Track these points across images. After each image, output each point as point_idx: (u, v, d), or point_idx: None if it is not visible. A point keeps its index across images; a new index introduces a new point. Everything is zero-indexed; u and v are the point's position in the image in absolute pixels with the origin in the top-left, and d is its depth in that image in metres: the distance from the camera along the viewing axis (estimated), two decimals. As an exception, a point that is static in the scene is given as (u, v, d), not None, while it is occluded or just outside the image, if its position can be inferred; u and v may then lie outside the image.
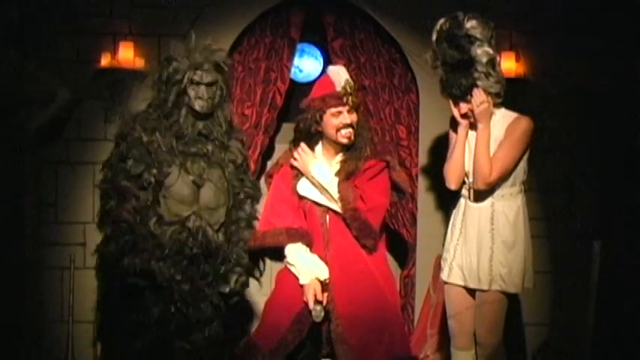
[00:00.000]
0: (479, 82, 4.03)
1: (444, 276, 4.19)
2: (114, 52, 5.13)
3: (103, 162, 4.21)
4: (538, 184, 5.23)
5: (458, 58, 4.05)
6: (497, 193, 4.07)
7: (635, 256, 5.08)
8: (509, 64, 5.13)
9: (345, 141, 4.26)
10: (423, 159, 5.23)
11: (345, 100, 4.23)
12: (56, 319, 5.17)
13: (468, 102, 4.06)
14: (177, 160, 4.06)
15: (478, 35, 4.05)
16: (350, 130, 4.26)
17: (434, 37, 4.15)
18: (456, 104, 4.10)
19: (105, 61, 5.12)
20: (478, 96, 4.03)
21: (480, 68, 4.03)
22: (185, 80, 4.05)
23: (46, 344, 5.16)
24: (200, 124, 4.10)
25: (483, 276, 4.05)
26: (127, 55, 5.09)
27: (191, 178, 4.08)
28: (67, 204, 5.17)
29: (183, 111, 4.08)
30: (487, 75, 4.04)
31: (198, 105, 4.07)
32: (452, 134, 4.23)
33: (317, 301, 4.15)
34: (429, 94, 5.19)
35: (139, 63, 5.12)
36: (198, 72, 4.07)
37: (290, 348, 4.14)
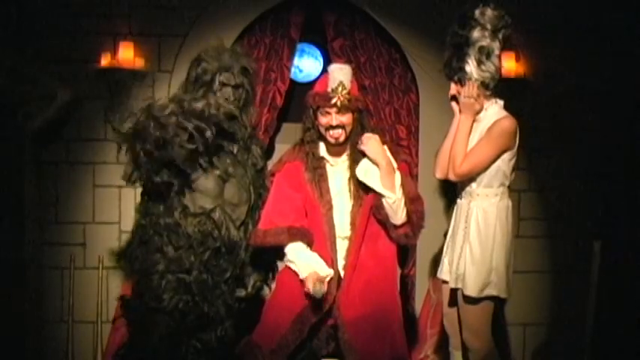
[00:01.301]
0: (467, 67, 3.98)
1: (438, 271, 4.20)
2: (114, 52, 5.13)
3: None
4: (538, 184, 5.24)
5: (457, 38, 4.01)
6: (474, 191, 4.03)
7: (635, 256, 5.09)
8: (509, 64, 5.13)
9: (332, 141, 4.27)
10: (423, 159, 5.23)
11: (332, 101, 4.22)
12: (56, 319, 5.17)
13: (458, 85, 4.03)
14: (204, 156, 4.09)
15: (482, 21, 4.01)
16: (338, 131, 4.25)
17: (458, 17, 4.08)
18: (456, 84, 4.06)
19: (105, 61, 5.12)
20: (468, 88, 4.00)
21: (471, 53, 3.98)
22: (215, 81, 4.10)
23: (46, 344, 5.16)
24: (225, 125, 4.12)
25: (452, 274, 4.05)
26: (127, 55, 5.09)
27: (217, 172, 4.11)
28: (67, 204, 5.17)
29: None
30: (478, 62, 3.99)
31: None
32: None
33: (319, 280, 4.14)
34: (429, 94, 5.20)
35: (139, 63, 5.13)
36: (226, 74, 4.11)
37: (290, 348, 4.15)
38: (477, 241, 3.98)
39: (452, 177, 4.03)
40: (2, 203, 4.86)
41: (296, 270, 4.23)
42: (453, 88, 4.05)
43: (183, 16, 5.17)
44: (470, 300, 3.98)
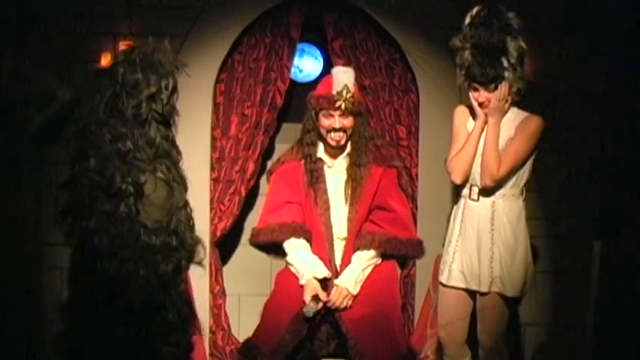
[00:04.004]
0: (506, 74, 3.98)
1: (443, 279, 4.16)
2: (114, 52, 5.13)
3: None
4: (538, 184, 5.23)
5: (493, 44, 3.99)
6: (499, 192, 4.05)
7: (635, 256, 5.08)
8: (509, 64, 5.13)
9: (333, 144, 4.28)
10: (423, 159, 5.22)
11: (337, 104, 4.23)
12: (56, 319, 5.16)
13: (490, 91, 4.00)
14: (149, 166, 3.80)
15: (516, 26, 4.04)
16: (340, 134, 4.27)
17: (467, 21, 4.07)
18: (476, 90, 4.04)
19: (105, 61, 5.12)
20: (502, 91, 3.99)
21: (511, 60, 4.00)
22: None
23: (46, 344, 5.15)
24: (163, 129, 3.86)
25: (483, 278, 4.03)
26: (127, 55, 5.09)
27: (162, 178, 3.81)
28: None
29: (151, 118, 3.82)
30: (514, 69, 4.00)
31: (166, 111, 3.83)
32: (457, 125, 4.17)
33: (314, 298, 4.15)
34: (429, 94, 5.19)
35: (139, 63, 5.12)
36: (170, 79, 3.83)
37: (289, 348, 4.16)
38: (512, 241, 4.02)
39: (490, 183, 4.00)
40: (2, 203, 4.86)
41: (295, 273, 4.25)
42: (483, 95, 4.00)
43: (183, 16, 5.17)
44: (494, 303, 4.01)
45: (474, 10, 4.08)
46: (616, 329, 5.01)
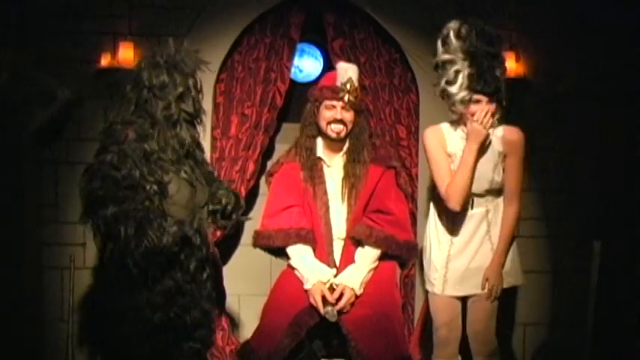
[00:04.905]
0: (500, 84, 3.98)
1: (436, 290, 4.14)
2: (114, 52, 5.13)
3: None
4: (538, 184, 5.24)
5: (492, 51, 3.98)
6: (497, 200, 4.10)
7: (635, 256, 5.08)
8: (510, 64, 5.12)
9: (333, 135, 4.29)
10: (423, 159, 5.22)
11: (340, 95, 4.24)
12: (56, 319, 5.17)
13: (491, 102, 3.98)
14: (173, 166, 3.88)
15: (498, 40, 4.05)
16: (341, 126, 4.28)
17: (452, 33, 4.03)
18: (477, 103, 3.98)
19: (105, 61, 5.12)
20: (491, 108, 3.97)
21: (502, 69, 4.02)
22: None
23: (46, 344, 5.15)
24: (191, 129, 3.96)
25: (481, 279, 4.08)
26: (127, 55, 5.09)
27: (186, 178, 3.90)
28: (67, 204, 5.16)
29: (181, 118, 3.91)
30: (502, 82, 4.03)
31: (192, 109, 3.94)
32: (434, 147, 4.09)
33: (326, 302, 4.16)
34: (429, 94, 5.18)
35: (139, 63, 5.13)
36: (196, 77, 3.97)
37: (286, 352, 4.16)
38: (505, 239, 4.08)
39: (457, 208, 4.02)
40: (2, 203, 4.86)
41: (300, 277, 4.26)
42: (485, 107, 3.96)
43: (183, 16, 5.17)
44: (486, 298, 4.09)
45: (456, 23, 4.05)
46: (616, 329, 5.01)
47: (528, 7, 5.27)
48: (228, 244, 5.40)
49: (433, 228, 4.17)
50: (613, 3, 5.22)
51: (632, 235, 5.13)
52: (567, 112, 5.27)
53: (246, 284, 5.40)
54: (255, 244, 4.46)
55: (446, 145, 4.09)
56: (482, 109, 3.96)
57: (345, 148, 4.38)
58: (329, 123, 4.30)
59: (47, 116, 5.06)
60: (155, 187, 3.77)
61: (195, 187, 3.93)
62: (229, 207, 4.05)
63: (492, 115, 3.98)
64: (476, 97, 3.98)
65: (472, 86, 3.97)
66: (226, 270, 5.34)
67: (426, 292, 4.28)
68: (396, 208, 4.37)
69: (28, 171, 5.09)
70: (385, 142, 5.01)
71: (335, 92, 4.28)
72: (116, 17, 5.17)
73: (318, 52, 5.54)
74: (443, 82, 4.06)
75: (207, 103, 5.16)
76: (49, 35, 5.12)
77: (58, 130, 5.17)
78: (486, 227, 4.07)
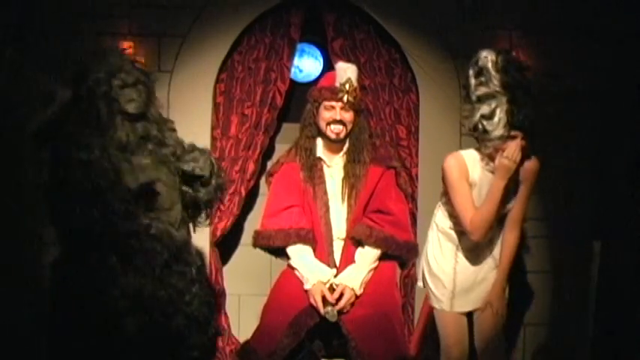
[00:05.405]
0: (531, 115, 3.87)
1: (445, 306, 4.08)
2: (114, 51, 5.13)
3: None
4: (538, 184, 5.22)
5: (526, 83, 3.89)
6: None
7: (635, 256, 5.08)
8: (509, 64, 5.13)
9: (332, 136, 4.29)
10: (422, 159, 5.22)
11: (339, 95, 4.25)
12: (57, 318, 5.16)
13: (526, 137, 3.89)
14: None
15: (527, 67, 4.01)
16: (340, 127, 4.28)
17: (488, 64, 3.89)
18: (513, 138, 3.85)
19: (105, 61, 5.12)
20: (519, 143, 3.87)
21: (535, 100, 3.94)
22: (112, 87, 3.83)
23: (46, 344, 5.15)
24: (139, 128, 3.84)
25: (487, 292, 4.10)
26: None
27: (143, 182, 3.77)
28: (67, 204, 5.16)
29: (118, 119, 3.84)
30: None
31: (131, 107, 3.82)
32: (457, 178, 3.96)
33: (326, 302, 4.16)
34: (429, 94, 5.19)
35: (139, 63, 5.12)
36: (121, 75, 3.85)
37: (286, 352, 4.16)
38: (506, 265, 4.11)
39: (480, 240, 4.00)
40: (2, 203, 4.86)
41: (300, 277, 4.26)
42: (518, 142, 3.84)
43: (183, 16, 5.17)
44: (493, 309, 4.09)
45: (491, 54, 3.90)
46: (616, 329, 5.01)
47: (528, 6, 5.27)
48: (229, 244, 5.40)
49: (436, 243, 4.13)
50: (613, 3, 5.21)
51: (632, 235, 5.13)
52: (567, 112, 5.27)
53: (246, 284, 5.40)
54: (255, 244, 4.47)
55: (468, 175, 3.98)
56: (516, 143, 3.85)
57: (345, 148, 4.39)
58: (328, 124, 4.31)
59: (47, 116, 5.05)
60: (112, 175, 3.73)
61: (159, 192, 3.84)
62: (204, 173, 3.83)
63: (522, 150, 3.87)
64: (513, 133, 3.86)
65: (510, 122, 3.83)
66: (226, 270, 5.34)
67: (426, 301, 4.27)
68: (396, 208, 4.37)
69: (28, 171, 5.09)
70: (385, 142, 5.01)
71: (334, 93, 4.29)
72: (116, 17, 5.17)
73: (318, 52, 5.54)
74: (477, 116, 3.88)
75: (207, 103, 5.19)
76: (49, 35, 5.11)
77: (58, 130, 5.16)
78: (489, 242, 4.07)
